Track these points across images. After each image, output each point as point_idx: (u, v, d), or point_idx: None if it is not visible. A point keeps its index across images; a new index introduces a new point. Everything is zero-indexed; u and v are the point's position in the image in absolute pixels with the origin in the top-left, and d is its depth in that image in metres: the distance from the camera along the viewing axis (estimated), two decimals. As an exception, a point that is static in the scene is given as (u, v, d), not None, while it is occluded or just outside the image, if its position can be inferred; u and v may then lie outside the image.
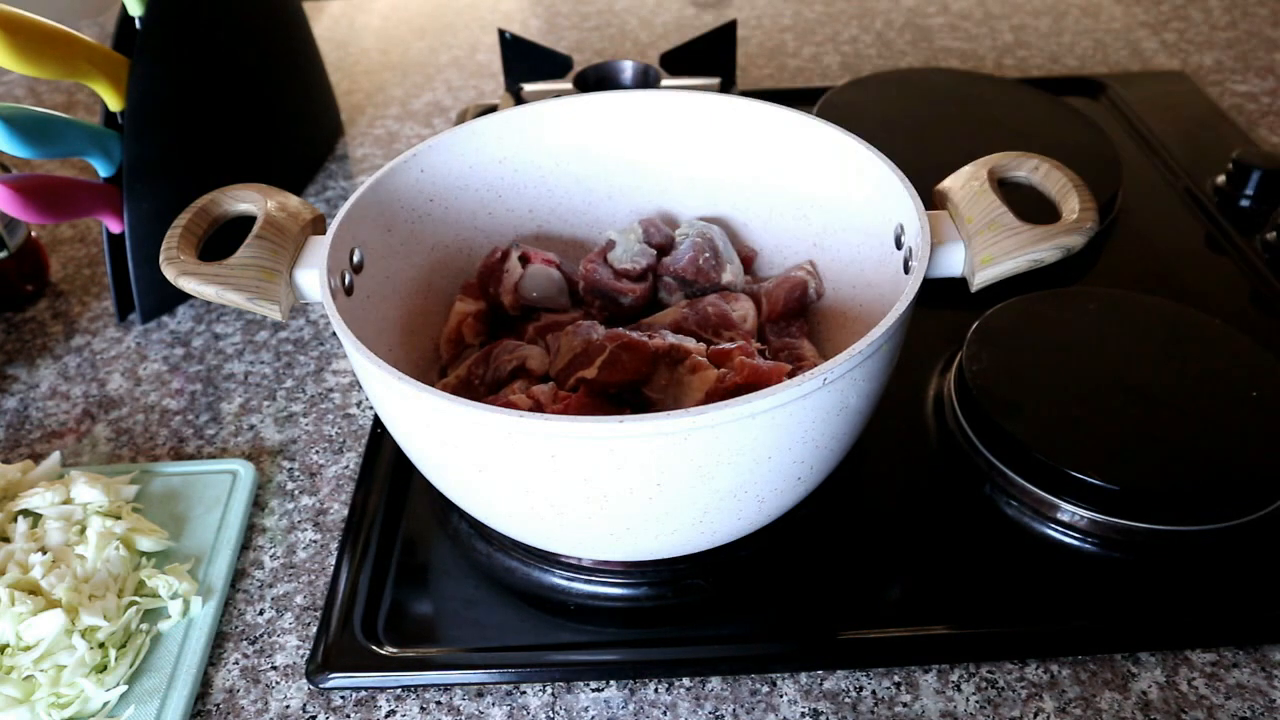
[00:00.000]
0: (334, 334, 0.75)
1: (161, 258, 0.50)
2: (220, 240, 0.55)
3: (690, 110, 0.63)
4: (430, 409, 0.43)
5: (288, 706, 0.49)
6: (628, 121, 0.65)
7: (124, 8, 0.70)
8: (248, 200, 0.54)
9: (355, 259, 0.55)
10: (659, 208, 0.68)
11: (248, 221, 0.53)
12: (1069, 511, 0.55)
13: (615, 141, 0.65)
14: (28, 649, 0.48)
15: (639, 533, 0.46)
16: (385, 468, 0.61)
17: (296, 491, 0.61)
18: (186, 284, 0.50)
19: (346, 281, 0.53)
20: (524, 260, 0.62)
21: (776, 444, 0.43)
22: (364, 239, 0.56)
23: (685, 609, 0.53)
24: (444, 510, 0.59)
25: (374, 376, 0.44)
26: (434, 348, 0.62)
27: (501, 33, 0.98)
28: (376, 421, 0.65)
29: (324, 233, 0.53)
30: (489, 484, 0.46)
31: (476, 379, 0.58)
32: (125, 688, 0.49)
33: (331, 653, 0.50)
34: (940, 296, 0.53)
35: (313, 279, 0.51)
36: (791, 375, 0.50)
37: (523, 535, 0.51)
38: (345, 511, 0.60)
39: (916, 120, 0.88)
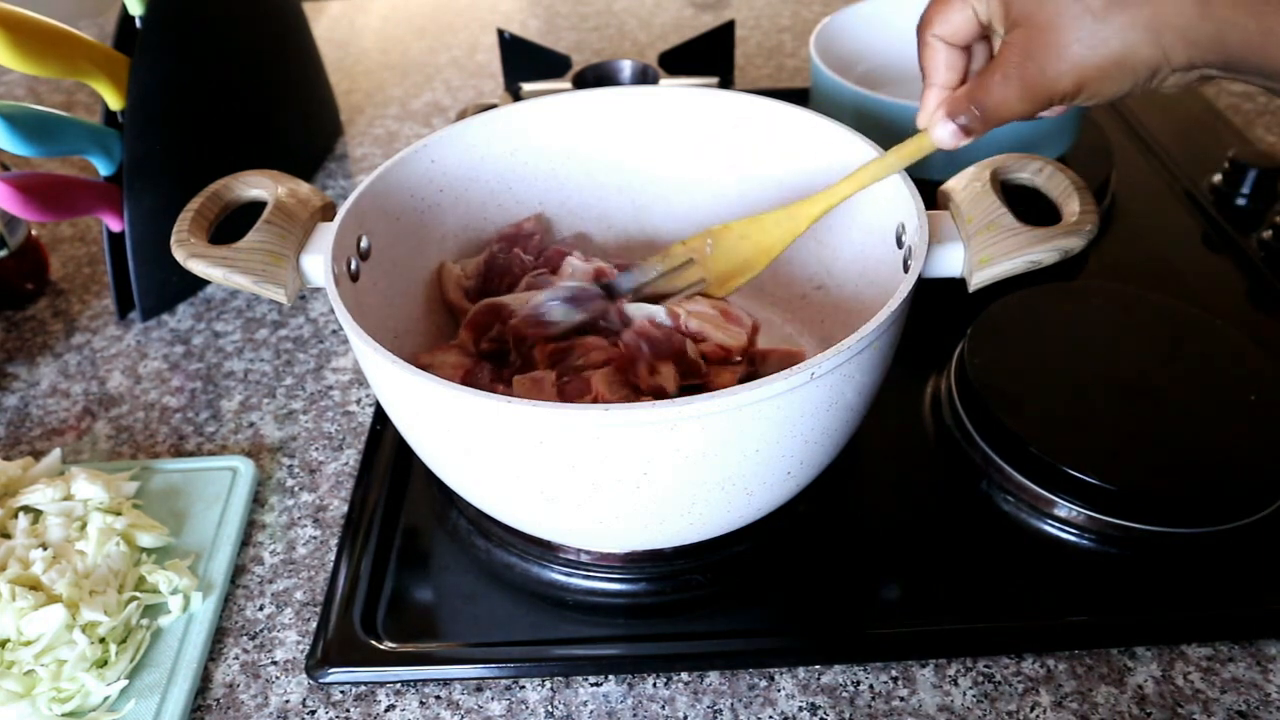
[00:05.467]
0: (334, 331, 0.75)
1: (173, 240, 0.51)
2: (235, 227, 0.55)
3: (700, 107, 0.64)
4: (422, 392, 0.43)
5: (287, 701, 0.50)
6: (637, 117, 0.65)
7: (124, 7, 0.71)
8: (259, 186, 0.55)
9: (362, 246, 0.55)
10: (666, 204, 0.68)
11: (263, 209, 0.53)
12: (1066, 508, 0.55)
13: (624, 137, 0.66)
14: (29, 644, 0.49)
15: (628, 521, 0.47)
16: (384, 465, 0.61)
17: (296, 488, 0.62)
18: (195, 266, 0.50)
19: (353, 268, 0.54)
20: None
21: (763, 437, 0.44)
22: (372, 227, 0.56)
23: (684, 604, 0.53)
24: (443, 506, 0.59)
25: (369, 359, 0.45)
26: (440, 336, 0.63)
27: (500, 33, 0.98)
28: (376, 418, 0.65)
29: (333, 219, 0.53)
30: (483, 469, 0.47)
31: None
32: (126, 682, 0.49)
33: (331, 648, 0.51)
34: (941, 294, 0.53)
35: (318, 264, 0.52)
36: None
37: (516, 522, 0.52)
38: (345, 508, 0.60)
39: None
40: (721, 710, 0.48)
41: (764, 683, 0.49)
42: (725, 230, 0.58)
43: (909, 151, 0.49)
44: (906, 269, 0.51)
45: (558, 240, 0.68)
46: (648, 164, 0.67)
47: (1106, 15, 0.39)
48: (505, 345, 0.59)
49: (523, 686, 0.50)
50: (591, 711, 0.48)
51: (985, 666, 0.49)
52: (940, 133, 0.46)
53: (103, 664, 0.49)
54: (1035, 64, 0.41)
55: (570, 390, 0.54)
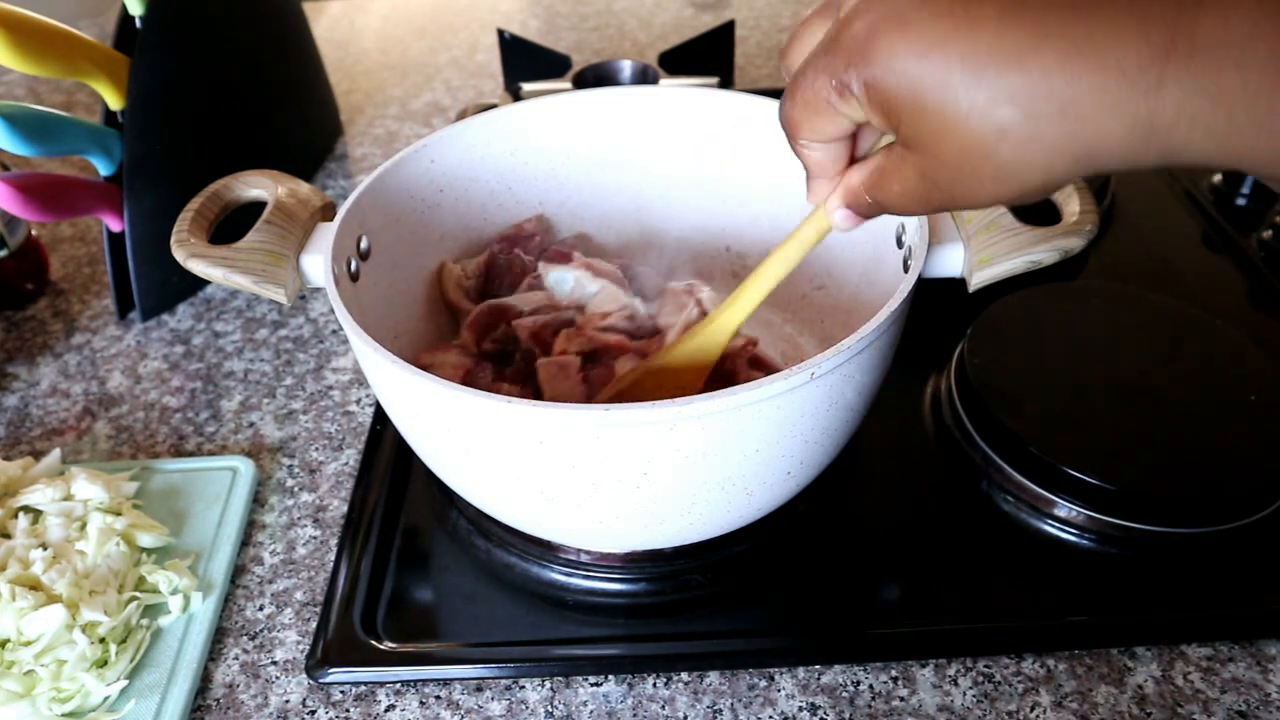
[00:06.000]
0: (334, 331, 0.75)
1: (173, 240, 0.51)
2: (235, 227, 0.55)
3: (700, 107, 0.64)
4: (422, 392, 0.43)
5: (287, 701, 0.50)
6: (637, 117, 0.65)
7: (124, 7, 0.71)
8: (259, 186, 0.55)
9: (362, 246, 0.55)
10: (666, 204, 0.68)
11: (263, 209, 0.53)
12: (1066, 508, 0.55)
13: (624, 137, 0.66)
14: (29, 644, 0.49)
15: (628, 521, 0.47)
16: (384, 465, 0.61)
17: (296, 488, 0.62)
18: (195, 266, 0.50)
19: (353, 268, 0.54)
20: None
21: (764, 437, 0.44)
22: (372, 227, 0.56)
23: (684, 604, 0.53)
24: (443, 506, 0.59)
25: (369, 359, 0.45)
26: (440, 336, 0.63)
27: (500, 33, 0.98)
28: (376, 418, 0.65)
29: (333, 219, 0.53)
30: (483, 469, 0.47)
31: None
32: (126, 682, 0.49)
33: (331, 648, 0.51)
34: (941, 295, 0.53)
35: (318, 264, 0.52)
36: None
37: (516, 522, 0.52)
38: (345, 508, 0.60)
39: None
40: (721, 710, 0.48)
41: (764, 683, 0.49)
42: (638, 386, 0.55)
43: (808, 239, 0.45)
44: (906, 269, 0.51)
45: (558, 240, 0.68)
46: (648, 164, 0.67)
47: (1027, 145, 0.30)
48: (509, 346, 0.59)
49: (523, 686, 0.50)
50: (591, 711, 0.48)
51: (985, 666, 0.49)
52: (837, 218, 0.40)
53: (103, 664, 0.49)
54: (940, 192, 0.34)
55: (596, 377, 0.54)
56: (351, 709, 0.49)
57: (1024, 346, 0.62)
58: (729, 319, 0.50)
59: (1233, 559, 0.53)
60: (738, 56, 1.11)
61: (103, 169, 0.73)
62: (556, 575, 0.54)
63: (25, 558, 0.52)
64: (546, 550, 0.55)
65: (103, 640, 0.50)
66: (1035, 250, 0.48)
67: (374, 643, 0.51)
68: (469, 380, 0.55)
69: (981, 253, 0.49)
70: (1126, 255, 0.76)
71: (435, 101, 1.08)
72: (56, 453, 0.61)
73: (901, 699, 0.48)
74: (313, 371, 0.71)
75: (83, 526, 0.55)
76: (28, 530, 0.54)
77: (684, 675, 0.50)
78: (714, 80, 0.95)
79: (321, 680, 0.50)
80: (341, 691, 0.50)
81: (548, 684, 0.50)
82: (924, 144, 0.32)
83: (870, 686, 0.49)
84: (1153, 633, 0.50)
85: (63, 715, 0.48)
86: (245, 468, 0.61)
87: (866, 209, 0.38)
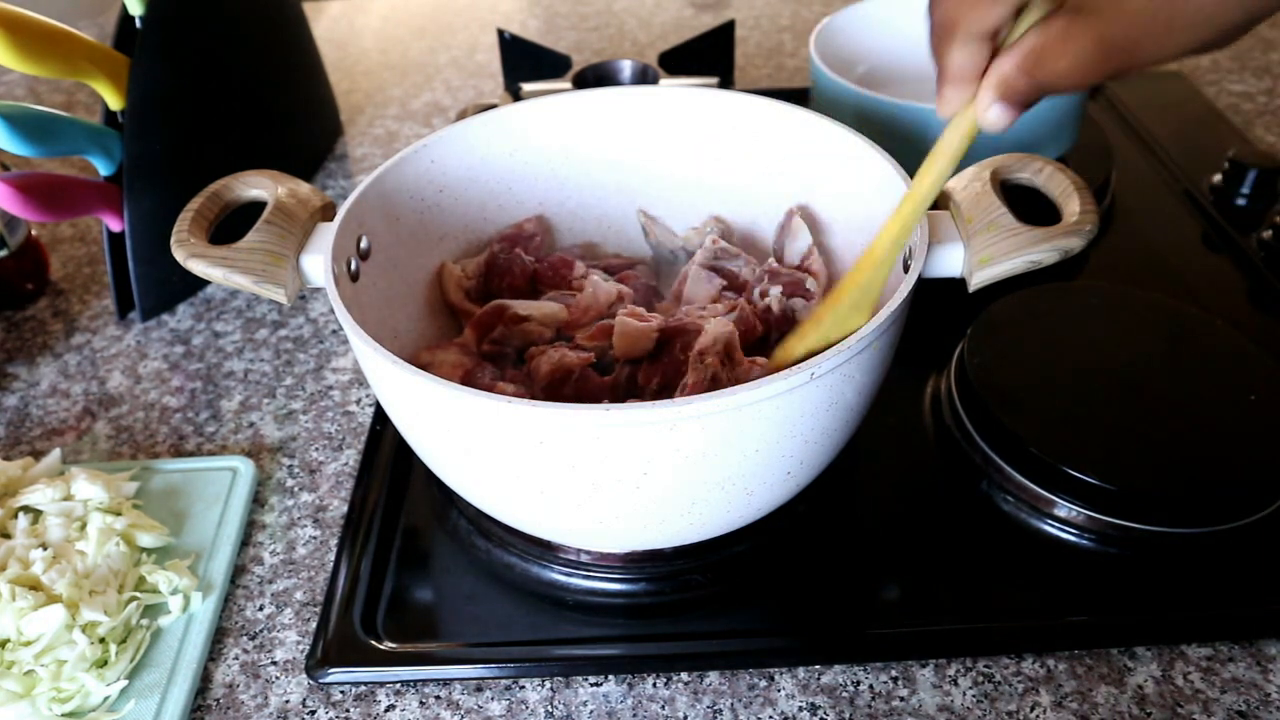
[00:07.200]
0: (334, 331, 0.75)
1: (173, 240, 0.51)
2: (235, 227, 0.55)
3: (698, 107, 0.64)
4: (422, 392, 0.43)
5: (287, 701, 0.50)
6: (637, 117, 0.65)
7: (124, 7, 0.71)
8: (259, 186, 0.55)
9: (362, 246, 0.55)
10: (666, 204, 0.68)
11: (263, 209, 0.53)
12: (1066, 508, 0.55)
13: (624, 137, 0.66)
14: (29, 644, 0.49)
15: (628, 521, 0.47)
16: (384, 465, 0.61)
17: (296, 488, 0.62)
18: (195, 266, 0.50)
19: (353, 268, 0.54)
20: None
21: (763, 437, 0.44)
22: (372, 227, 0.56)
23: (684, 604, 0.53)
24: (443, 506, 0.59)
25: (369, 359, 0.45)
26: (441, 336, 0.63)
27: (500, 33, 0.98)
28: (376, 418, 0.65)
29: (333, 219, 0.53)
30: (483, 469, 0.47)
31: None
32: (126, 682, 0.49)
33: (331, 648, 0.51)
34: (941, 295, 0.53)
35: (318, 264, 0.52)
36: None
37: (516, 522, 0.52)
38: (345, 508, 0.60)
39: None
40: (721, 710, 0.48)
41: (764, 683, 0.49)
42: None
43: (958, 148, 0.43)
44: (906, 269, 0.51)
45: (561, 248, 0.68)
46: (648, 164, 0.67)
47: None
48: (506, 348, 0.59)
49: (523, 686, 0.50)
50: (591, 711, 0.48)
51: (985, 666, 0.49)
52: (991, 116, 0.39)
53: (103, 664, 0.49)
54: (1121, 53, 0.34)
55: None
56: (351, 709, 0.49)
57: (1024, 346, 0.62)
58: (888, 243, 0.48)
59: (1233, 559, 0.53)
60: (738, 56, 1.11)
61: (103, 169, 0.73)
62: (556, 575, 0.54)
63: (25, 558, 0.52)
64: (546, 550, 0.55)
65: (103, 640, 0.50)
66: (1035, 250, 0.48)
67: (374, 643, 0.51)
68: (469, 380, 0.55)
69: (981, 253, 0.49)
70: (1126, 255, 0.76)
71: (435, 101, 1.08)
72: (56, 453, 0.61)
73: (901, 699, 0.48)
74: (313, 371, 0.71)
75: (83, 526, 0.55)
76: (28, 530, 0.54)
77: (684, 675, 0.50)
78: (714, 80, 0.95)
79: (321, 680, 0.50)
80: (341, 691, 0.50)
81: (548, 684, 0.50)
82: (1102, 6, 0.33)
83: (870, 686, 0.49)
84: (1153, 633, 0.50)
85: (63, 715, 0.48)
86: (245, 468, 0.61)
87: (1024, 95, 0.37)
